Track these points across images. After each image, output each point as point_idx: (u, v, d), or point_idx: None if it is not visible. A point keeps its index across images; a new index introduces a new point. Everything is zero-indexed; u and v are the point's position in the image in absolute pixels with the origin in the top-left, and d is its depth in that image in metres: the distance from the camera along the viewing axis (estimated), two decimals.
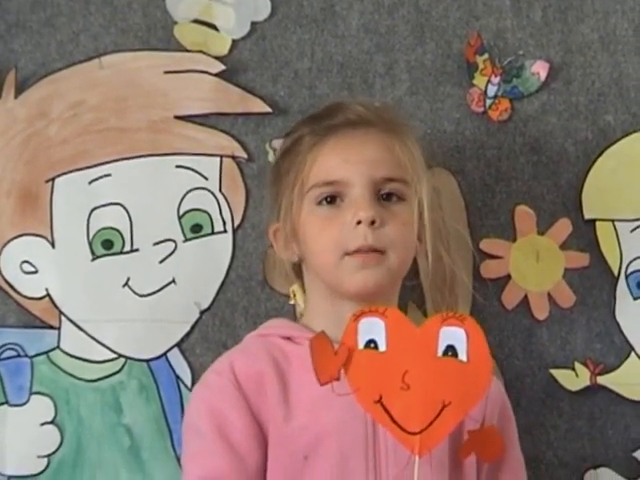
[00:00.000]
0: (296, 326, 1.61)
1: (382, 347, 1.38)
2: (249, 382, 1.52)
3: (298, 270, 1.65)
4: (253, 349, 1.57)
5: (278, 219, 1.63)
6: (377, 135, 1.59)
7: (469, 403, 1.37)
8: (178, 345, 1.76)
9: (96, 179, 1.77)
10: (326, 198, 1.57)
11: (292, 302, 1.68)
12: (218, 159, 1.79)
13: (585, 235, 1.81)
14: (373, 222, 1.52)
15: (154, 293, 1.77)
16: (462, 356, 1.37)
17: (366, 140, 1.59)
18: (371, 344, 1.38)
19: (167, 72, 1.79)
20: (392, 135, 1.60)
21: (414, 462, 1.34)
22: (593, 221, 1.81)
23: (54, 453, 1.74)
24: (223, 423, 1.51)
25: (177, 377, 1.76)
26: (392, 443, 1.42)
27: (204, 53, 1.80)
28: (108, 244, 1.77)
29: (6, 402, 1.74)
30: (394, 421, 1.36)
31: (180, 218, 1.78)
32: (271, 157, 1.77)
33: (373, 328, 1.38)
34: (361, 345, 1.38)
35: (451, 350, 1.37)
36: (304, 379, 1.44)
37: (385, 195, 1.57)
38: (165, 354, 1.76)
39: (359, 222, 1.53)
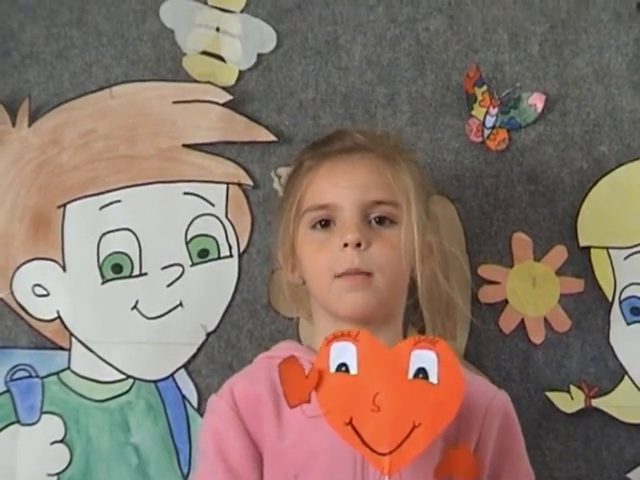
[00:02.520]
0: (301, 348, 1.62)
1: (353, 370, 1.39)
2: (247, 405, 1.54)
3: (304, 292, 1.66)
4: (255, 372, 1.58)
5: (280, 241, 1.65)
6: (371, 160, 1.60)
7: (439, 424, 1.37)
8: (185, 366, 1.77)
9: (106, 205, 1.79)
10: (320, 222, 1.58)
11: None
12: (225, 186, 1.80)
13: (580, 262, 1.81)
14: (359, 244, 1.53)
15: (162, 316, 1.78)
16: (433, 378, 1.38)
17: (359, 165, 1.59)
18: (342, 367, 1.39)
19: (176, 102, 1.81)
20: (385, 160, 1.60)
21: None
22: (588, 248, 1.81)
23: (64, 471, 1.75)
24: (222, 445, 1.53)
25: (184, 397, 1.77)
26: None
27: (212, 84, 1.81)
28: (117, 268, 1.78)
29: (18, 421, 1.75)
30: (364, 442, 1.36)
31: (187, 243, 1.79)
32: (276, 184, 1.78)
33: (345, 352, 1.39)
34: (333, 368, 1.39)
35: (422, 372, 1.38)
36: None
37: (378, 219, 1.57)
38: (172, 375, 1.77)
39: (346, 245, 1.54)
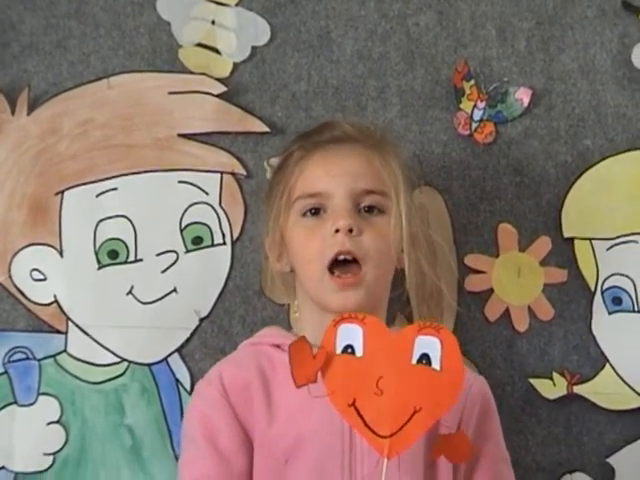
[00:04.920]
0: (286, 334, 1.63)
1: (359, 352, 1.39)
2: (236, 391, 1.55)
3: (293, 280, 1.67)
4: (242, 358, 1.60)
5: (269, 230, 1.66)
6: (360, 150, 1.62)
7: (440, 410, 1.38)
8: (178, 350, 1.79)
9: (103, 192, 1.80)
10: (310, 210, 1.60)
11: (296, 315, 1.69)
12: (219, 175, 1.82)
13: (564, 252, 1.83)
14: (351, 230, 1.55)
15: (156, 301, 1.79)
16: (435, 364, 1.38)
17: (349, 155, 1.61)
18: (349, 349, 1.39)
19: (171, 92, 1.82)
20: (374, 151, 1.62)
21: (383, 464, 1.35)
22: (572, 239, 1.84)
23: (59, 451, 1.76)
24: (212, 430, 1.55)
25: (177, 381, 1.78)
26: (367, 447, 1.41)
27: (207, 75, 1.82)
28: (113, 254, 1.79)
29: (15, 402, 1.76)
30: (366, 424, 1.36)
31: (182, 230, 1.80)
32: (269, 174, 1.79)
33: (351, 334, 1.39)
34: (339, 350, 1.39)
35: (425, 358, 1.38)
36: (287, 386, 1.43)
37: (367, 208, 1.59)
38: (166, 359, 1.78)
39: (337, 230, 1.55)
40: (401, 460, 1.38)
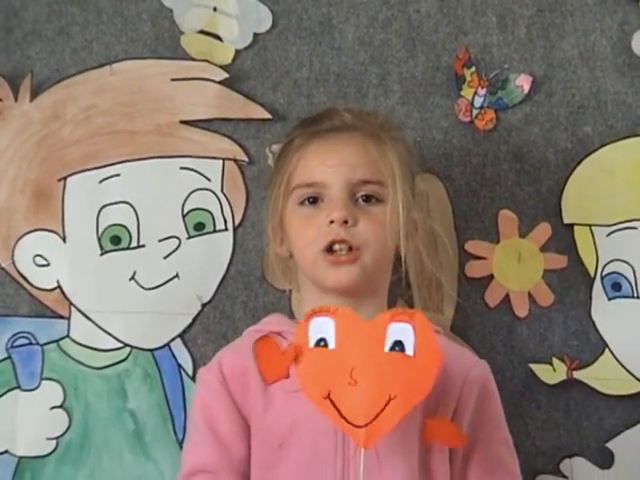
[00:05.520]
0: (288, 322, 1.64)
1: (331, 345, 1.39)
2: (234, 378, 1.56)
3: (294, 266, 1.68)
4: (243, 345, 1.60)
5: (270, 215, 1.66)
6: (358, 140, 1.62)
7: (415, 396, 1.38)
8: (180, 336, 1.79)
9: (106, 178, 1.80)
10: (308, 199, 1.60)
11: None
12: (220, 162, 1.82)
13: (564, 238, 1.83)
14: (346, 222, 1.56)
15: (159, 287, 1.80)
16: (409, 351, 1.38)
17: (347, 144, 1.61)
18: (322, 342, 1.40)
19: (174, 79, 1.82)
20: (372, 139, 1.61)
21: (360, 454, 1.36)
22: (571, 225, 1.83)
23: (62, 435, 1.77)
24: (212, 417, 1.56)
25: (179, 366, 1.79)
26: None
27: (209, 62, 1.83)
28: (116, 240, 1.79)
29: (18, 387, 1.77)
30: (342, 415, 1.37)
31: (184, 216, 1.81)
32: (270, 161, 1.79)
33: (323, 327, 1.40)
34: (312, 344, 1.40)
35: (399, 345, 1.38)
36: None
37: (365, 197, 1.59)
38: (168, 344, 1.79)
39: (332, 222, 1.56)
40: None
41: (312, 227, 1.58)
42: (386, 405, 1.37)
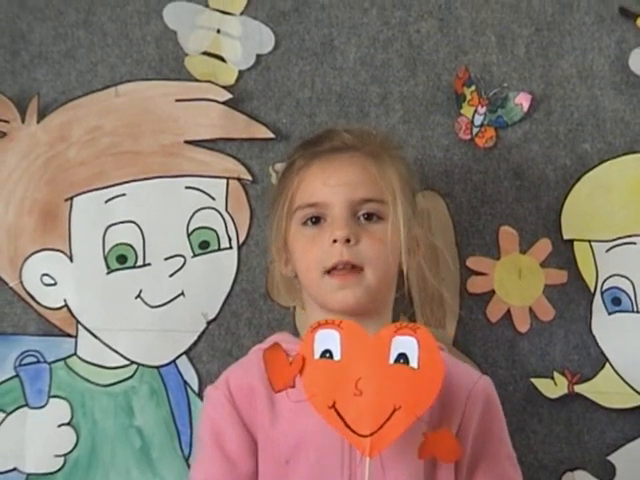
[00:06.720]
0: (293, 340, 1.64)
1: (337, 356, 1.42)
2: (241, 395, 1.57)
3: (299, 285, 1.68)
4: (249, 362, 1.61)
5: (273, 236, 1.67)
6: (359, 159, 1.62)
7: (420, 407, 1.40)
8: (186, 353, 1.80)
9: (111, 198, 1.81)
10: (311, 219, 1.61)
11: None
12: (225, 181, 1.83)
13: (564, 254, 1.84)
14: (348, 240, 1.57)
15: (164, 304, 1.81)
16: (413, 363, 1.40)
17: (347, 164, 1.62)
18: (327, 354, 1.42)
19: (178, 100, 1.83)
20: (372, 159, 1.62)
21: (365, 463, 1.38)
22: (571, 241, 1.84)
23: (70, 453, 1.78)
24: (219, 434, 1.57)
25: (185, 383, 1.80)
26: None
27: (212, 83, 1.84)
28: (122, 259, 1.80)
29: (26, 404, 1.78)
30: (347, 425, 1.39)
31: (189, 235, 1.82)
32: (274, 179, 1.80)
33: (329, 339, 1.42)
34: (317, 355, 1.42)
35: (403, 358, 1.40)
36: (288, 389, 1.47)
37: (366, 215, 1.60)
38: (174, 361, 1.80)
39: (335, 241, 1.57)
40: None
41: (315, 248, 1.59)
42: (391, 415, 1.39)
